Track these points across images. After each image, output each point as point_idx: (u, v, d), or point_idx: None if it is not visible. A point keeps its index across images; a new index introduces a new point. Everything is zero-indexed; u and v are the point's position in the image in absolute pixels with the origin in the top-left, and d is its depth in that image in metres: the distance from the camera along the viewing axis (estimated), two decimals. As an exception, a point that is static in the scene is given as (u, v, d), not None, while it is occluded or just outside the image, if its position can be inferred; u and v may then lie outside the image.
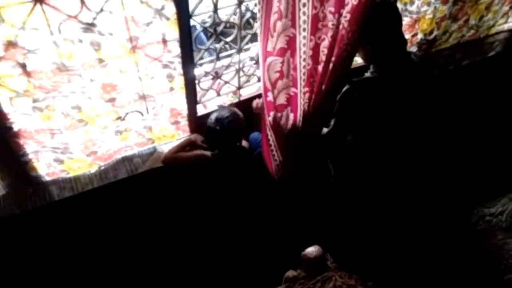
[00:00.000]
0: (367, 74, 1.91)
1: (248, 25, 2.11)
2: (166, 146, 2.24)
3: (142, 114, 2.04)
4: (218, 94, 2.23)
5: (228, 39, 2.02)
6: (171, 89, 2.01)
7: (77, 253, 2.30)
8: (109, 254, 2.33)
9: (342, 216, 2.45)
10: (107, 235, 2.30)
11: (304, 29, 1.71)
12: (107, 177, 2.16)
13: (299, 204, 2.39)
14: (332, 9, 1.69)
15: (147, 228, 2.39)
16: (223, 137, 2.00)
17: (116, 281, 2.35)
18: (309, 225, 2.45)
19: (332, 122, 2.03)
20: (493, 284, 2.44)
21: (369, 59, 1.92)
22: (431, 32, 2.65)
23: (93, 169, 2.15)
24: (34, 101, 1.71)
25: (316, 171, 2.30)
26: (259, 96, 2.22)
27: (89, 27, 1.58)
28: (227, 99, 2.32)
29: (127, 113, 1.99)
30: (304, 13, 1.66)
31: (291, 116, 1.98)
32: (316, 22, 1.71)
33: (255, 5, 2.27)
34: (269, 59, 1.79)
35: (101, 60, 1.71)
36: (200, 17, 1.87)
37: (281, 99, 1.92)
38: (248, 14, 2.01)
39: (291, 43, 1.75)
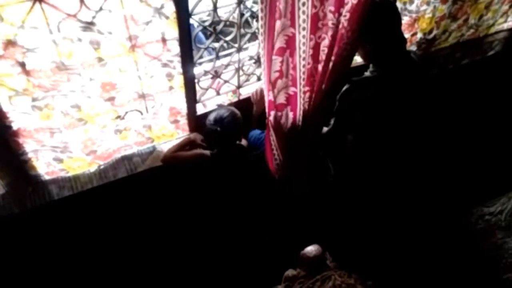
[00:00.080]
0: (367, 74, 1.91)
1: (247, 24, 2.11)
2: (165, 145, 2.24)
3: (142, 113, 2.04)
4: (218, 93, 2.23)
5: (228, 38, 2.01)
6: (171, 88, 2.00)
7: (76, 253, 2.30)
8: (109, 253, 2.33)
9: (342, 216, 2.46)
10: (107, 234, 2.30)
11: (303, 28, 1.71)
12: (107, 176, 2.16)
13: (299, 203, 2.39)
14: (332, 8, 1.69)
15: (146, 227, 2.39)
16: (223, 137, 2.00)
17: (116, 281, 2.35)
18: (309, 225, 2.45)
19: (331, 122, 2.03)
20: (493, 283, 2.44)
21: (369, 58, 1.92)
22: (430, 31, 2.65)
23: (93, 168, 2.15)
24: (34, 100, 1.71)
25: (316, 170, 2.30)
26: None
27: (89, 26, 1.58)
28: (227, 98, 2.32)
29: (126, 112, 1.99)
30: (303, 12, 1.66)
31: (291, 115, 1.98)
32: (316, 21, 1.71)
33: (253, 3, 2.28)
34: (272, 58, 1.79)
35: (100, 59, 1.70)
36: (200, 16, 1.87)
37: (281, 99, 1.92)
38: (248, 13, 2.01)
39: (290, 42, 1.75)
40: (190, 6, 1.75)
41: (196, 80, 2.05)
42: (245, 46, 2.11)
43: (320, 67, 1.83)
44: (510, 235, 2.52)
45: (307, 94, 1.91)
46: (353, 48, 1.82)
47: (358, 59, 2.23)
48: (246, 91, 2.33)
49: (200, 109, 2.21)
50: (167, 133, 2.22)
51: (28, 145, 1.89)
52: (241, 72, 2.19)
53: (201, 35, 2.95)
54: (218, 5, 1.84)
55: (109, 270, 2.35)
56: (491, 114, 3.22)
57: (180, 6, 1.70)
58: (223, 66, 2.13)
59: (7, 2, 1.40)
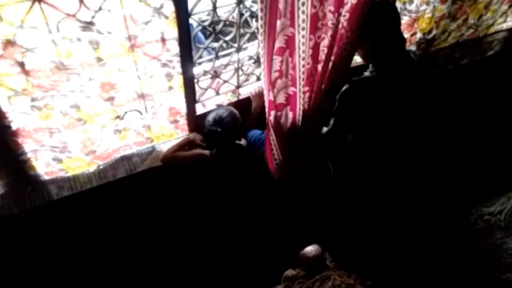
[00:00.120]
0: (366, 74, 1.91)
1: (246, 24, 2.10)
2: (165, 145, 2.24)
3: (141, 113, 2.04)
4: (217, 93, 2.23)
5: (227, 38, 2.01)
6: (170, 88, 2.00)
7: (76, 253, 2.30)
8: (108, 253, 2.33)
9: (342, 216, 2.45)
10: (106, 234, 2.30)
11: (303, 28, 1.70)
12: (106, 176, 2.16)
13: (298, 203, 2.39)
14: (332, 8, 1.69)
15: (146, 227, 2.39)
16: (223, 137, 2.01)
17: (115, 281, 2.34)
18: (308, 225, 2.45)
19: (331, 122, 2.03)
20: (492, 283, 2.44)
21: (368, 58, 1.92)
22: (430, 31, 2.65)
23: (92, 168, 2.15)
24: (33, 100, 1.71)
25: (316, 170, 2.30)
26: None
27: (88, 25, 1.57)
28: (226, 98, 2.32)
29: (126, 112, 1.99)
30: (303, 12, 1.66)
31: (290, 115, 1.98)
32: (316, 21, 1.71)
33: (252, 2, 2.28)
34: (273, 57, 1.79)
35: (99, 59, 1.70)
36: (199, 15, 1.87)
37: (281, 98, 1.92)
38: (247, 13, 2.01)
39: (289, 42, 1.74)
40: (190, 6, 1.74)
41: (195, 80, 2.05)
42: (244, 46, 2.11)
43: (319, 67, 1.83)
44: (510, 235, 2.52)
45: (307, 94, 1.91)
46: (353, 48, 1.82)
47: (357, 59, 2.23)
48: (246, 91, 2.33)
49: (199, 109, 2.21)
50: (167, 133, 2.22)
51: (27, 145, 1.89)
52: (240, 72, 2.19)
53: (200, 35, 2.95)
54: (217, 5, 1.84)
55: (108, 270, 2.35)
56: (491, 114, 3.22)
57: (179, 5, 1.70)
58: (223, 66, 2.13)
59: (6, 2, 1.40)
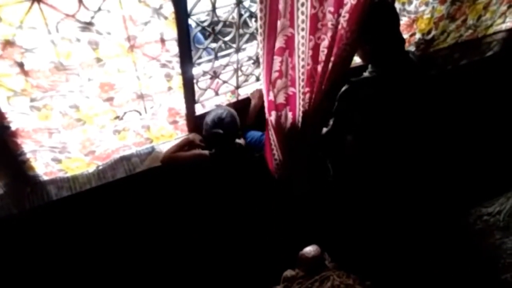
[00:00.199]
0: (366, 74, 1.92)
1: (245, 24, 2.11)
2: (164, 145, 2.24)
3: (140, 114, 2.04)
4: (217, 94, 2.23)
5: (226, 38, 2.01)
6: (169, 88, 2.00)
7: (75, 253, 2.30)
8: (108, 254, 2.33)
9: (341, 216, 2.46)
10: (106, 235, 2.29)
11: (302, 29, 1.71)
12: (105, 177, 2.16)
13: (298, 203, 2.39)
14: (331, 9, 1.69)
15: (145, 228, 2.39)
16: (225, 138, 2.01)
17: (115, 281, 2.34)
18: (308, 225, 2.45)
19: (330, 122, 2.03)
20: (491, 283, 2.45)
21: (368, 59, 1.93)
22: (429, 32, 2.66)
23: (91, 169, 2.15)
24: (32, 100, 1.70)
25: (316, 170, 2.30)
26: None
27: (87, 26, 1.57)
28: (226, 99, 2.32)
29: (125, 113, 1.99)
30: (302, 13, 1.66)
31: (290, 115, 1.98)
32: (316, 22, 1.71)
33: (251, 2, 2.28)
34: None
35: (99, 59, 1.70)
36: (198, 16, 1.87)
37: (280, 98, 1.93)
38: (246, 13, 2.01)
39: (289, 42, 1.75)
40: (189, 7, 1.74)
41: (195, 81, 2.05)
42: (243, 47, 2.11)
43: (319, 67, 1.84)
44: (509, 236, 2.53)
45: (307, 95, 1.91)
46: (353, 49, 1.83)
47: (357, 60, 2.24)
48: (245, 92, 2.33)
49: (199, 110, 2.21)
50: (166, 133, 2.22)
51: (27, 146, 1.88)
52: (239, 73, 2.19)
53: (199, 35, 2.95)
54: (216, 5, 1.84)
55: (108, 270, 2.35)
56: (490, 115, 3.23)
57: (178, 6, 1.70)
58: (222, 66, 2.13)
59: (5, 2, 1.40)
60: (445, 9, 2.55)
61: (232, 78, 2.20)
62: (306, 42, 1.74)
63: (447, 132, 3.02)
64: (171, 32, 1.77)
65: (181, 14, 1.73)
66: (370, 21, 1.73)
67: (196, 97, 2.13)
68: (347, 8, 1.70)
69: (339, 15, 1.70)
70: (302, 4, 1.63)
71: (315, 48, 1.79)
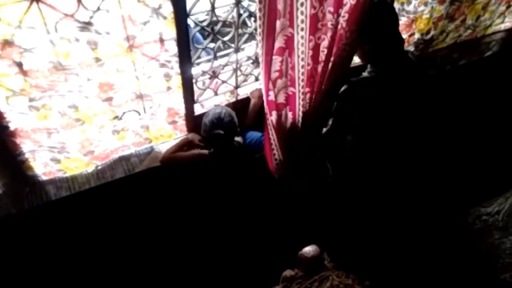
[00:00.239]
0: (365, 74, 1.92)
1: (244, 24, 2.11)
2: (163, 145, 2.23)
3: (139, 114, 2.03)
4: (216, 94, 2.23)
5: (225, 38, 2.01)
6: (168, 88, 2.00)
7: (74, 253, 2.29)
8: (107, 254, 2.33)
9: (340, 216, 2.46)
10: (105, 235, 2.29)
11: (302, 29, 1.71)
12: (104, 177, 2.16)
13: (298, 203, 2.39)
14: (331, 9, 1.69)
15: (145, 228, 2.38)
16: (225, 138, 2.01)
17: (114, 281, 2.34)
18: (307, 225, 2.45)
19: (330, 122, 2.03)
20: (490, 283, 2.45)
21: (367, 58, 1.93)
22: (428, 32, 2.66)
23: (90, 169, 2.15)
24: (31, 100, 1.70)
25: (316, 170, 2.30)
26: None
27: (86, 26, 1.57)
28: (225, 99, 2.32)
29: (124, 113, 1.98)
30: (302, 13, 1.66)
31: (290, 115, 1.98)
32: (316, 22, 1.71)
33: (250, 1, 2.28)
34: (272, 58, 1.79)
35: (98, 59, 1.70)
36: (197, 16, 1.87)
37: (281, 98, 1.93)
38: (245, 13, 2.01)
39: (289, 42, 1.75)
40: (188, 6, 1.74)
41: (194, 81, 2.05)
42: (242, 47, 2.11)
43: (319, 67, 1.84)
44: (507, 236, 2.53)
45: (307, 95, 1.92)
46: (352, 49, 1.83)
47: (357, 60, 2.24)
48: (244, 91, 2.33)
49: (198, 110, 2.21)
50: (165, 133, 2.22)
51: (25, 146, 1.88)
52: (239, 73, 2.19)
53: (198, 35, 2.95)
54: (215, 5, 1.84)
55: (107, 270, 2.35)
56: (489, 115, 3.23)
57: (178, 6, 1.70)
58: (221, 66, 2.13)
59: (4, 2, 1.40)
60: (444, 9, 2.55)
61: (231, 78, 2.20)
62: (306, 42, 1.74)
63: (446, 132, 3.02)
64: (170, 32, 1.77)
65: (180, 14, 1.73)
66: (369, 21, 1.74)
67: (195, 97, 2.13)
68: (346, 8, 1.70)
69: (338, 15, 1.70)
70: (302, 4, 1.64)
71: (315, 48, 1.79)
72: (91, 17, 1.56)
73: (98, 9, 1.55)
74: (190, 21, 1.83)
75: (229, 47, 2.06)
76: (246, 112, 2.26)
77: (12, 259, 2.18)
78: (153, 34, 1.75)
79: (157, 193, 2.31)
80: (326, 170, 2.32)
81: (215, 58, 2.05)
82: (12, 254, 2.17)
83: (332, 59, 1.81)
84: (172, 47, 1.83)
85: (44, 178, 2.08)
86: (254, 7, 1.90)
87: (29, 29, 1.49)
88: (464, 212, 2.73)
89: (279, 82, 1.86)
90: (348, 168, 2.26)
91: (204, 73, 2.09)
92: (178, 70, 1.93)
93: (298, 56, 1.79)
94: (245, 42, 2.10)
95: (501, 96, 3.26)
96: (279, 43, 1.74)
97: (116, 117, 1.98)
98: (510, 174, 2.85)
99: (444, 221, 2.71)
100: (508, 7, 2.89)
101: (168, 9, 1.69)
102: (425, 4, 2.49)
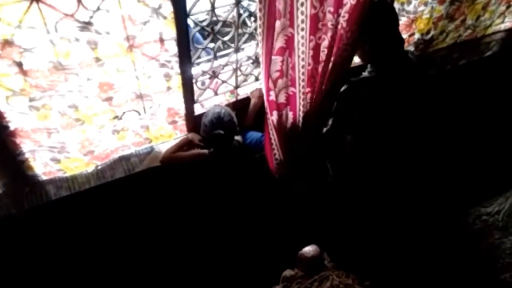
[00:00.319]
0: (365, 74, 1.92)
1: (244, 24, 2.11)
2: (163, 145, 2.23)
3: (139, 114, 2.03)
4: (216, 93, 2.23)
5: (225, 38, 2.01)
6: (168, 88, 2.00)
7: (74, 253, 2.29)
8: (107, 253, 2.33)
9: (340, 216, 2.46)
10: (105, 234, 2.29)
11: (302, 29, 1.71)
12: (104, 177, 2.16)
13: (298, 203, 2.39)
14: (332, 9, 1.69)
15: (145, 228, 2.38)
16: (226, 137, 2.01)
17: (114, 281, 2.34)
18: (307, 225, 2.45)
19: (330, 122, 2.04)
20: (490, 283, 2.45)
21: (367, 58, 1.93)
22: (428, 32, 2.66)
23: (90, 169, 2.15)
24: (31, 100, 1.70)
25: (316, 170, 2.30)
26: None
27: (86, 25, 1.57)
28: (225, 99, 2.32)
29: (124, 113, 1.98)
30: (302, 13, 1.66)
31: (290, 115, 1.99)
32: (316, 22, 1.71)
33: (250, 1, 2.28)
34: (272, 57, 1.79)
35: (98, 59, 1.70)
36: (197, 16, 1.87)
37: (281, 98, 1.93)
38: (245, 13, 2.01)
39: (289, 42, 1.75)
40: (188, 6, 1.74)
41: (194, 80, 2.05)
42: (242, 47, 2.11)
43: (320, 67, 1.84)
44: (507, 235, 2.53)
45: (308, 95, 1.92)
46: (353, 49, 1.83)
47: (357, 60, 2.24)
48: (244, 91, 2.33)
49: (198, 110, 2.21)
50: (165, 133, 2.22)
51: (25, 145, 1.88)
52: (239, 73, 2.19)
53: (198, 35, 2.95)
54: (215, 5, 1.84)
55: (107, 270, 2.35)
56: (489, 115, 3.23)
57: (178, 6, 1.69)
58: (221, 66, 2.13)
59: (4, 2, 1.40)
60: (444, 9, 2.55)
61: (231, 78, 2.20)
62: (306, 42, 1.74)
63: (446, 132, 3.02)
64: (170, 31, 1.77)
65: (180, 13, 1.73)
66: (369, 21, 1.73)
67: (195, 97, 2.13)
68: (346, 8, 1.70)
69: (339, 15, 1.70)
70: (302, 4, 1.64)
71: (316, 48, 1.79)
72: (91, 17, 1.56)
73: (98, 9, 1.55)
74: (190, 21, 1.83)
75: (229, 47, 2.06)
76: (246, 112, 2.26)
77: (12, 259, 2.18)
78: (153, 34, 1.75)
79: (157, 193, 2.31)
80: (326, 170, 2.32)
81: (215, 58, 2.05)
82: (12, 254, 2.17)
83: (332, 59, 1.81)
84: (172, 47, 1.83)
85: (44, 178, 2.08)
86: (254, 7, 1.90)
87: (29, 29, 1.49)
88: (464, 212, 2.73)
89: (280, 82, 1.86)
90: (348, 168, 2.25)
91: (204, 73, 2.09)
92: (178, 70, 1.93)
93: (299, 56, 1.79)
94: (245, 42, 2.10)
95: (501, 96, 3.26)
96: (279, 43, 1.74)
97: (116, 117, 1.98)
98: (510, 174, 2.85)
99: (444, 221, 2.71)
100: (508, 7, 2.89)
101: (168, 9, 1.69)
102: (425, 4, 2.49)
